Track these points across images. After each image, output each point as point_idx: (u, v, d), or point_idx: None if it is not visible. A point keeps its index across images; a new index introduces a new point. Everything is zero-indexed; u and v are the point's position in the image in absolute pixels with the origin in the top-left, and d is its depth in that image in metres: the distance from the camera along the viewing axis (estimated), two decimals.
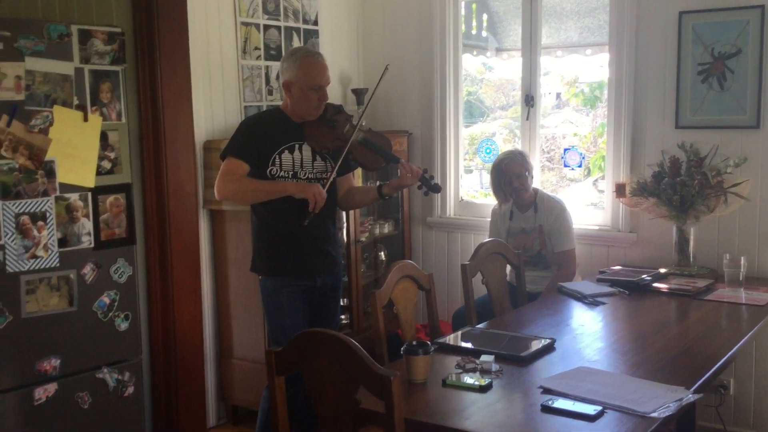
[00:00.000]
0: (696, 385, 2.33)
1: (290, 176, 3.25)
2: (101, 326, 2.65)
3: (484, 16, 5.23)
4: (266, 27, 4.48)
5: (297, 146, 3.28)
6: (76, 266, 2.57)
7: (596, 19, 4.83)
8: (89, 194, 2.61)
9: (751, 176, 3.83)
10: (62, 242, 2.52)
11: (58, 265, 2.51)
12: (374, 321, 2.90)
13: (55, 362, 2.56)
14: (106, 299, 2.64)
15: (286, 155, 3.25)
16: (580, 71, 5.68)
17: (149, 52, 2.75)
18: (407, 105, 5.00)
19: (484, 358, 2.59)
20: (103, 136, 2.64)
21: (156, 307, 2.80)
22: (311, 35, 4.75)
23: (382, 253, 4.93)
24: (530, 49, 4.60)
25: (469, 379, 2.41)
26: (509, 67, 5.84)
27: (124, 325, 2.71)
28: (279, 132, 3.27)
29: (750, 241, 3.93)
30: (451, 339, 2.86)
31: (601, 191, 4.61)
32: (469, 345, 2.77)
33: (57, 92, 2.48)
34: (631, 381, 2.36)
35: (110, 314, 2.66)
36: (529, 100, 4.59)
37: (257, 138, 3.24)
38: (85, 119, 2.58)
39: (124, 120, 2.70)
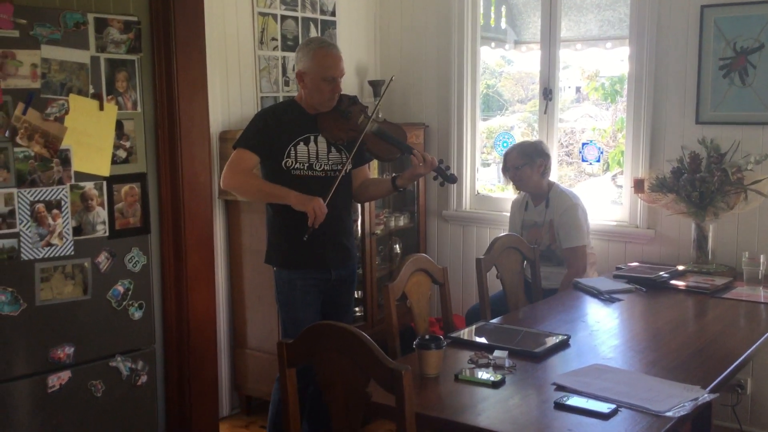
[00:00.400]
0: (712, 385, 2.30)
1: (305, 168, 3.24)
2: (115, 315, 2.65)
3: (503, 8, 5.18)
4: (283, 17, 4.46)
5: (312, 138, 3.26)
6: (90, 255, 2.57)
7: (617, 12, 4.77)
8: (104, 183, 2.61)
9: None
10: (77, 231, 2.52)
11: (72, 253, 2.52)
12: (387, 314, 2.88)
13: (69, 350, 2.57)
14: (120, 288, 2.65)
15: (301, 147, 3.24)
16: (600, 65, 5.63)
17: (165, 41, 2.75)
18: (424, 97, 4.97)
19: (497, 353, 2.56)
20: (119, 125, 2.64)
21: (170, 296, 2.80)
22: (328, 26, 4.73)
23: (397, 245, 4.91)
24: (549, 42, 4.56)
25: (482, 375, 2.39)
26: (528, 60, 5.79)
27: (137, 314, 2.71)
28: (294, 124, 3.26)
29: None
30: (465, 333, 2.84)
31: (620, 186, 4.57)
32: (482, 340, 2.75)
33: (73, 81, 2.48)
34: (646, 379, 2.33)
35: (124, 303, 2.66)
36: (548, 94, 4.55)
37: (271, 130, 3.23)
38: (101, 108, 2.58)
39: (139, 109, 2.69)
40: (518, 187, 4.11)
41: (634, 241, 4.26)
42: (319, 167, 3.26)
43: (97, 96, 2.56)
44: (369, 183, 3.49)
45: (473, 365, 2.50)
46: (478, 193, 4.92)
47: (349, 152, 3.28)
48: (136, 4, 2.70)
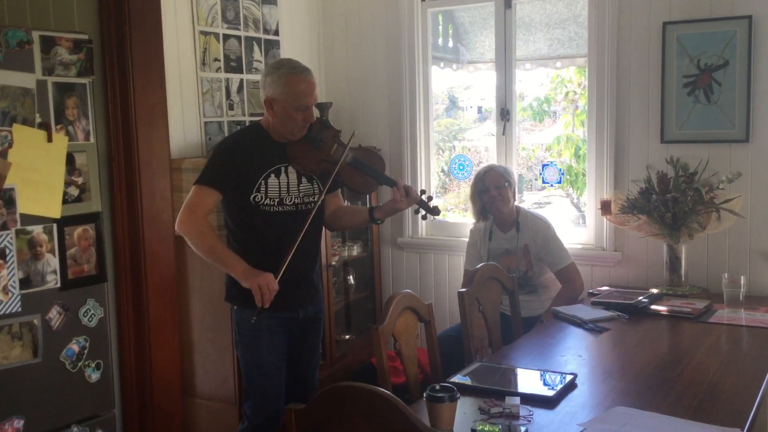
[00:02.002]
0: (748, 424, 2.15)
1: (276, 203, 2.95)
2: (70, 378, 2.28)
3: (450, 27, 5.02)
4: (226, 37, 4.15)
5: (283, 169, 2.98)
6: (40, 310, 2.21)
7: (566, 30, 4.68)
8: (54, 226, 2.25)
9: (742, 191, 3.71)
10: (24, 283, 2.15)
11: (19, 310, 2.15)
12: (378, 361, 2.61)
13: (18, 423, 2.19)
14: (74, 347, 2.29)
15: (272, 180, 2.95)
16: (526, 86, 5.62)
17: (120, 61, 2.41)
18: (374, 119, 4.74)
19: (509, 400, 2.34)
20: (69, 159, 2.29)
21: (129, 352, 2.45)
22: (272, 46, 4.45)
23: (351, 276, 4.65)
24: (504, 62, 4.40)
25: (500, 427, 2.15)
26: (476, 80, 5.66)
27: (95, 376, 2.35)
28: (263, 154, 2.97)
29: (741, 259, 3.82)
30: (467, 378, 2.60)
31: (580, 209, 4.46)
32: (488, 385, 2.51)
33: (17, 108, 2.13)
34: (679, 423, 2.15)
35: (80, 364, 2.30)
36: (505, 115, 4.39)
37: (239, 163, 2.92)
38: (49, 139, 2.22)
39: (92, 140, 2.35)
40: (496, 209, 3.89)
41: (601, 264, 4.13)
42: (290, 201, 2.98)
43: (44, 126, 2.21)
44: (343, 212, 3.22)
45: (486, 415, 2.26)
46: (434, 219, 4.71)
47: (321, 182, 3.01)
48: (84, 21, 2.35)
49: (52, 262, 2.25)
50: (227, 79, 4.15)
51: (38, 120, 2.20)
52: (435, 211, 3.09)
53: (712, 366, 2.71)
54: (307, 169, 2.96)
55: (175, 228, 2.84)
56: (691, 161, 3.80)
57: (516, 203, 3.98)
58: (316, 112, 3.08)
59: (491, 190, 3.87)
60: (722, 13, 3.73)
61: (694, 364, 2.74)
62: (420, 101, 4.60)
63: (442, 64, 4.91)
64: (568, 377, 2.54)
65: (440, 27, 4.92)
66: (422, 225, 4.66)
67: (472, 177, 4.02)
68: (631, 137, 4.01)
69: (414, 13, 4.53)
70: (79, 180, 2.31)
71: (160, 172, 2.50)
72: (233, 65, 4.19)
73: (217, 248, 2.89)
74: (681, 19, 3.82)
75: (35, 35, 2.20)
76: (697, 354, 2.85)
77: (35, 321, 2.20)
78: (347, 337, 4.57)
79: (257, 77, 4.31)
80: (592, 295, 3.80)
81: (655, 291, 3.72)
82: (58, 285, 2.27)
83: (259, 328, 2.96)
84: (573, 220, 4.82)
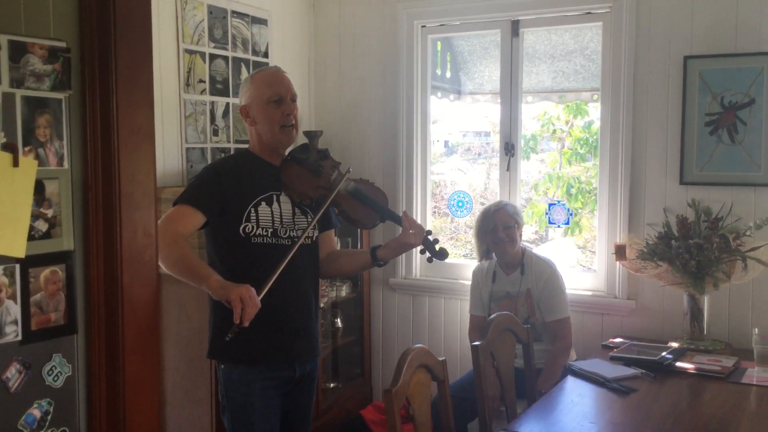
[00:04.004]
0: None
1: (269, 234, 2.60)
2: None
3: (448, 56, 4.75)
4: (213, 57, 3.82)
5: (275, 197, 2.64)
6: None
7: (572, 63, 4.44)
8: (17, 267, 1.88)
9: (767, 239, 3.44)
10: None
11: None
12: (390, 428, 2.26)
13: None
14: (36, 412, 1.90)
15: (263, 208, 2.61)
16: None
17: (102, 75, 2.05)
18: (367, 150, 4.42)
19: None
20: (38, 187, 1.92)
21: (100, 418, 2.07)
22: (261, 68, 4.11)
23: (339, 319, 4.29)
24: (510, 94, 4.12)
25: None
26: (475, 112, 5.40)
27: None
28: (253, 179, 2.63)
29: (765, 311, 3.54)
30: None
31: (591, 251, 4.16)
32: None
33: None
34: None
35: None
36: (510, 149, 4.10)
37: (225, 187, 2.58)
38: (15, 163, 1.85)
39: (66, 165, 1.98)
40: (502, 250, 3.59)
41: (612, 312, 3.83)
42: (285, 233, 2.63)
43: (10, 147, 1.84)
44: (339, 255, 2.87)
45: None
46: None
47: (315, 212, 2.68)
48: (60, 27, 2.00)
49: (13, 310, 1.87)
50: (212, 102, 3.81)
51: (2, 140, 1.83)
52: (442, 254, 2.77)
53: None
54: (301, 196, 2.63)
55: None
56: (713, 205, 3.54)
57: (521, 244, 3.68)
58: (298, 141, 2.76)
59: (499, 231, 3.57)
60: (748, 49, 3.50)
61: None
62: (418, 134, 4.29)
63: (439, 94, 4.62)
64: None
65: (438, 55, 4.64)
66: (417, 265, 4.33)
67: (480, 214, 3.71)
68: (647, 177, 3.74)
69: (414, 39, 4.24)
70: (49, 212, 1.94)
71: (144, 204, 2.14)
72: (219, 87, 3.85)
73: (188, 256, 2.47)
74: (703, 53, 3.58)
75: (3, 39, 1.84)
76: (745, 422, 2.54)
77: None
78: (332, 385, 4.20)
79: None
80: (606, 348, 3.49)
81: (675, 345, 3.42)
82: (19, 337, 1.89)
83: (251, 390, 2.59)
84: (576, 264, 4.53)
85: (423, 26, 4.27)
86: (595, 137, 6.15)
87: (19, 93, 1.86)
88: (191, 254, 2.51)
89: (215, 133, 3.83)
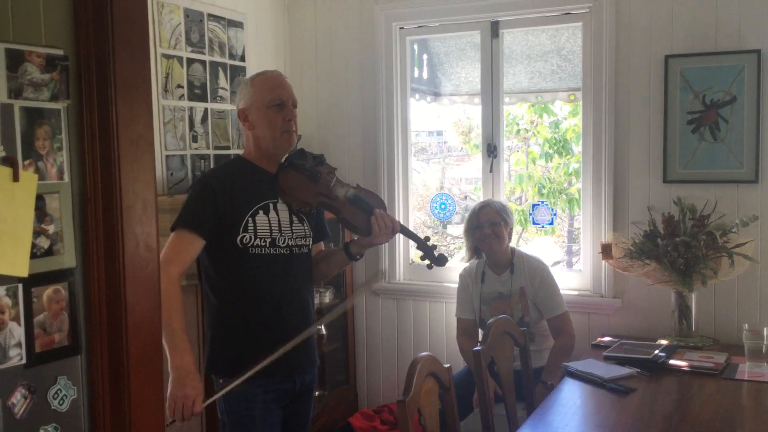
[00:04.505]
0: None
1: (268, 245, 2.54)
2: None
3: (425, 57, 4.72)
4: (190, 61, 3.72)
5: (272, 205, 2.57)
6: (1, 394, 1.73)
7: (548, 63, 4.44)
8: (20, 287, 1.78)
9: (751, 235, 3.48)
10: None
11: None
12: None
13: None
14: None
15: (260, 217, 2.54)
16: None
17: (101, 84, 1.97)
18: (347, 154, 4.36)
19: None
20: (39, 202, 1.83)
21: None
22: (238, 72, 4.04)
23: (322, 326, 4.21)
24: (491, 95, 4.11)
25: None
26: (451, 114, 5.38)
27: None
28: (248, 188, 2.57)
29: (751, 306, 3.58)
30: None
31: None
32: None
33: None
34: None
35: None
36: (492, 150, 4.09)
37: (219, 201, 2.51)
38: (15, 178, 1.76)
39: (66, 178, 1.89)
40: (488, 247, 3.58)
41: (598, 312, 3.84)
42: (283, 242, 2.57)
43: (9, 161, 1.74)
44: (317, 260, 2.80)
45: None
46: (413, 262, 4.34)
47: (309, 220, 2.64)
48: (53, 32, 1.91)
49: (16, 332, 1.77)
50: (191, 108, 3.72)
51: (1, 154, 1.73)
52: (441, 260, 2.74)
53: None
54: (301, 203, 2.57)
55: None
56: (697, 202, 3.56)
57: (511, 244, 3.67)
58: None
59: (485, 227, 3.55)
60: (729, 47, 3.53)
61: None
62: (398, 135, 4.25)
63: (417, 96, 4.59)
64: None
65: (416, 57, 4.61)
66: (400, 269, 4.29)
67: (468, 212, 3.70)
68: (630, 176, 3.76)
69: (393, 41, 4.20)
70: (51, 228, 1.85)
71: (146, 217, 2.05)
72: (197, 92, 3.76)
73: (173, 322, 2.42)
74: (684, 52, 3.61)
75: (0, 48, 1.74)
76: (746, 419, 2.56)
77: None
78: (318, 393, 4.13)
79: (223, 106, 3.90)
80: (597, 347, 3.50)
81: (664, 342, 3.43)
82: (23, 361, 1.79)
83: (252, 405, 2.53)
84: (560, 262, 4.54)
85: (401, 28, 4.23)
86: (563, 137, 6.21)
87: (17, 104, 1.77)
88: (179, 320, 2.44)
89: (194, 139, 3.73)
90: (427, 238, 2.72)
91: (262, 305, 2.55)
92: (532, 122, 6.69)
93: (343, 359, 4.34)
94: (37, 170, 1.81)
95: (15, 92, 1.78)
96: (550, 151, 6.17)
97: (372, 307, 4.33)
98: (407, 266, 4.30)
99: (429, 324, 4.20)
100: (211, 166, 3.81)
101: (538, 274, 3.56)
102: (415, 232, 3.39)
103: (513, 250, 3.64)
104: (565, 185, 6.17)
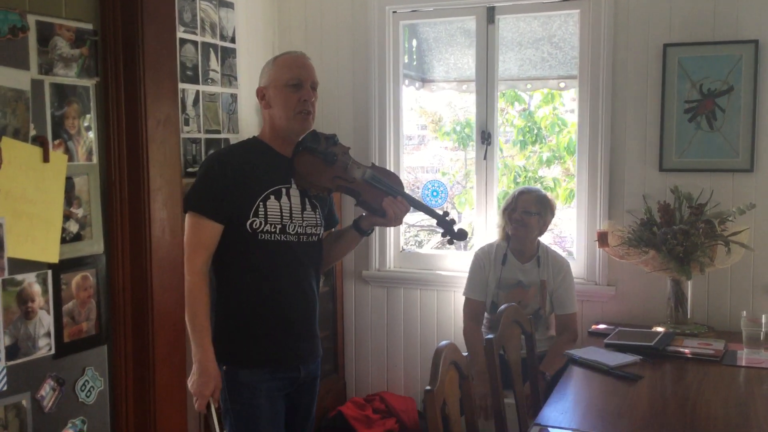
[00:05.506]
0: None
1: (278, 231, 2.47)
2: None
3: (414, 43, 4.66)
4: (182, 41, 3.61)
5: (284, 190, 2.50)
6: (30, 386, 1.63)
7: (539, 51, 4.43)
8: (49, 273, 1.69)
9: (747, 224, 3.53)
10: (11, 351, 1.58)
11: (5, 387, 1.57)
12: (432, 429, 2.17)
13: None
14: None
15: (272, 202, 2.47)
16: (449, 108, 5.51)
17: (129, 61, 1.87)
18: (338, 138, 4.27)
19: None
20: (68, 185, 1.74)
21: None
22: (229, 54, 3.93)
23: None
24: (486, 82, 4.08)
25: None
26: (439, 101, 5.34)
27: None
28: (262, 171, 2.49)
29: (744, 293, 3.63)
30: None
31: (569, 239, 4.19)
32: None
33: (7, 116, 1.57)
34: None
35: None
36: (486, 138, 4.06)
37: (231, 182, 2.44)
38: (46, 159, 1.66)
39: (95, 160, 1.80)
40: (515, 233, 3.55)
41: (592, 299, 3.86)
42: (293, 230, 2.51)
43: (40, 140, 1.64)
44: (329, 242, 2.74)
45: None
46: (403, 249, 4.30)
47: (324, 209, 2.60)
48: (79, 6, 1.81)
49: (46, 321, 1.68)
50: (183, 90, 3.60)
51: (32, 133, 1.63)
52: (461, 235, 2.68)
53: None
54: (318, 188, 2.51)
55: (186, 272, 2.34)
56: (692, 191, 3.59)
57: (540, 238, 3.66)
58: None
59: (517, 211, 3.53)
60: (727, 37, 3.56)
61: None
62: (390, 121, 4.20)
63: (407, 82, 4.53)
64: None
65: (406, 42, 4.55)
66: (390, 257, 4.24)
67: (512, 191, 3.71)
68: (626, 164, 3.77)
69: (385, 25, 4.13)
70: (79, 212, 1.75)
71: (172, 201, 1.97)
72: (189, 74, 3.65)
73: (198, 317, 2.41)
74: (682, 41, 3.63)
75: (31, 20, 1.64)
76: (758, 404, 2.58)
77: (23, 402, 1.63)
78: None
79: (214, 89, 3.79)
80: (594, 335, 3.52)
81: (660, 329, 3.46)
82: (52, 351, 1.70)
83: (257, 393, 2.47)
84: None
85: (394, 12, 4.16)
86: (537, 125, 6.22)
87: (47, 80, 1.66)
88: (205, 313, 2.42)
89: (186, 122, 3.62)
90: (446, 213, 2.67)
91: (268, 292, 2.49)
92: (502, 111, 6.69)
93: (331, 348, 4.28)
94: (67, 150, 1.71)
95: (46, 68, 1.67)
96: (523, 139, 6.19)
97: (361, 296, 4.28)
98: (398, 253, 4.26)
99: (420, 312, 4.17)
100: (203, 150, 3.71)
101: (562, 270, 3.57)
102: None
103: (539, 244, 3.63)
104: (541, 175, 6.19)
